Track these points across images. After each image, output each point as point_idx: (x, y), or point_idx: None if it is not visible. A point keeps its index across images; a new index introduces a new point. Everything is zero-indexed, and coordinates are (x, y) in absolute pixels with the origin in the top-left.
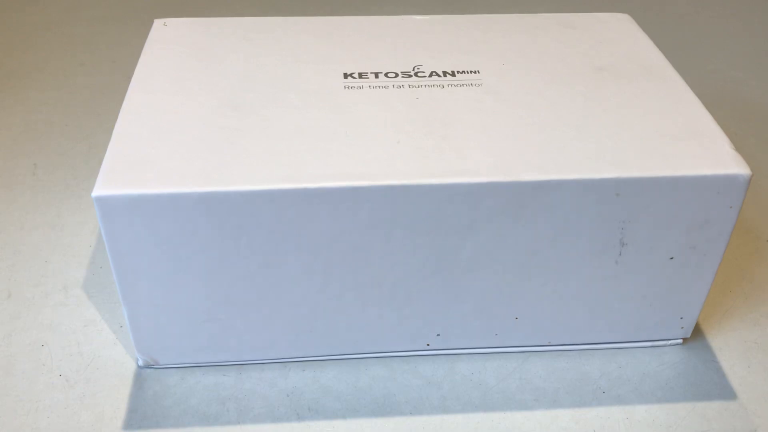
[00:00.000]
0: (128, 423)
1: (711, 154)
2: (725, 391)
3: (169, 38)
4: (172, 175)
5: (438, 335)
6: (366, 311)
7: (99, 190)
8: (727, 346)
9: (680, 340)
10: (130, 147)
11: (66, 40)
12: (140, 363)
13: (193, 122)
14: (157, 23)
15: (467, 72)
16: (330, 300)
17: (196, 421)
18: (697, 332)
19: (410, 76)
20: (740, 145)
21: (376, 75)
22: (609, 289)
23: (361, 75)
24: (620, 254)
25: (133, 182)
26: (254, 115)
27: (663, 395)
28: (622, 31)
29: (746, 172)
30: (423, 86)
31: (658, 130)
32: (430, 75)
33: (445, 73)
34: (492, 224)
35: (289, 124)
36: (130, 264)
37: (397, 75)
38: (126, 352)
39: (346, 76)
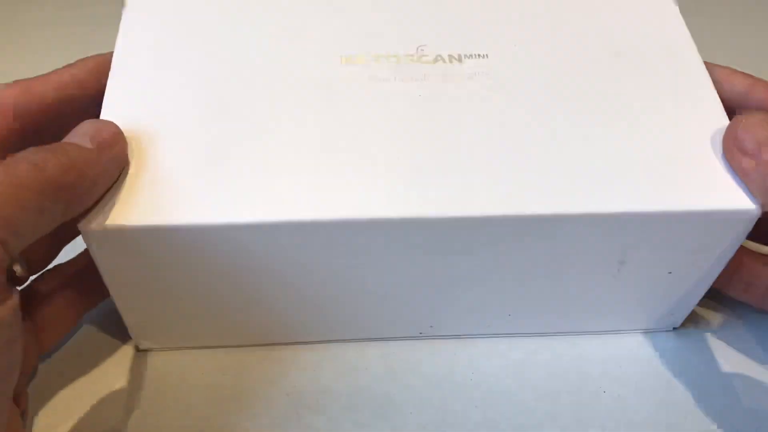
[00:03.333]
0: (128, 421)
1: (722, 185)
2: (725, 391)
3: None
4: (160, 208)
5: (431, 327)
6: (356, 313)
7: (86, 225)
8: (728, 346)
9: (671, 329)
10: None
11: (66, 39)
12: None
13: (176, 143)
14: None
15: (475, 56)
16: (321, 308)
17: (195, 420)
18: (697, 331)
19: (413, 61)
20: None
21: (376, 59)
22: (603, 295)
23: (359, 59)
24: (618, 271)
25: (120, 215)
26: (241, 133)
27: (664, 395)
28: (654, 6)
29: (755, 207)
30: (426, 78)
31: (670, 149)
32: (435, 60)
33: (451, 58)
34: (490, 247)
35: (280, 144)
36: (124, 285)
37: (399, 60)
38: (128, 346)
39: (343, 60)
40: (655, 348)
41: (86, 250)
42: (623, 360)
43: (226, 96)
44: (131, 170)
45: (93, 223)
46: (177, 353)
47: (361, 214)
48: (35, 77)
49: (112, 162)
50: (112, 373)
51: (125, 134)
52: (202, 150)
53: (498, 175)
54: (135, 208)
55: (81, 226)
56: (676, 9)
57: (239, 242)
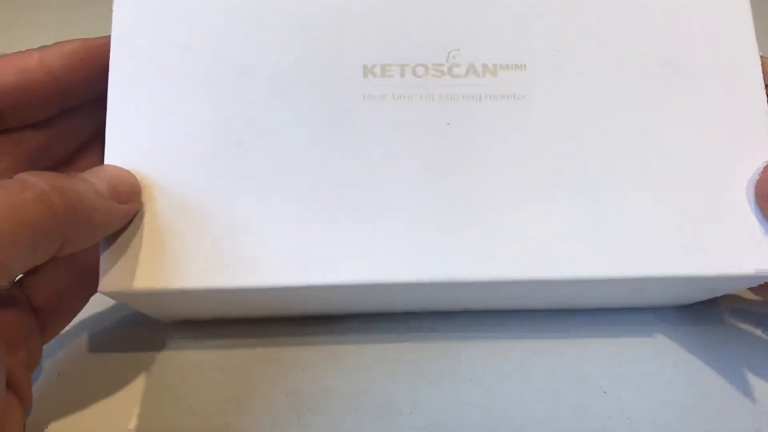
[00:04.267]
0: (129, 422)
1: (756, 241)
2: (727, 391)
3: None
4: (175, 270)
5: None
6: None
7: (104, 287)
8: (729, 347)
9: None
10: (125, 238)
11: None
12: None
13: (185, 188)
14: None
15: (511, 68)
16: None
17: (195, 421)
18: (699, 331)
19: (443, 72)
20: None
21: (402, 71)
22: (614, 303)
23: (384, 71)
24: (635, 294)
25: (138, 278)
26: (252, 180)
27: (665, 395)
28: (721, 8)
29: None
30: (456, 97)
31: (706, 198)
32: (467, 74)
33: (485, 70)
34: (510, 296)
35: (293, 194)
36: (142, 307)
37: (427, 70)
38: (128, 348)
39: (366, 72)
40: (656, 348)
41: None
42: (623, 360)
43: (235, 127)
44: (144, 220)
45: (111, 286)
46: (177, 354)
47: (380, 278)
48: None
49: (121, 215)
50: (112, 374)
51: (132, 173)
52: (212, 199)
53: (523, 231)
54: (150, 269)
55: (100, 288)
56: (747, 6)
57: (253, 297)
